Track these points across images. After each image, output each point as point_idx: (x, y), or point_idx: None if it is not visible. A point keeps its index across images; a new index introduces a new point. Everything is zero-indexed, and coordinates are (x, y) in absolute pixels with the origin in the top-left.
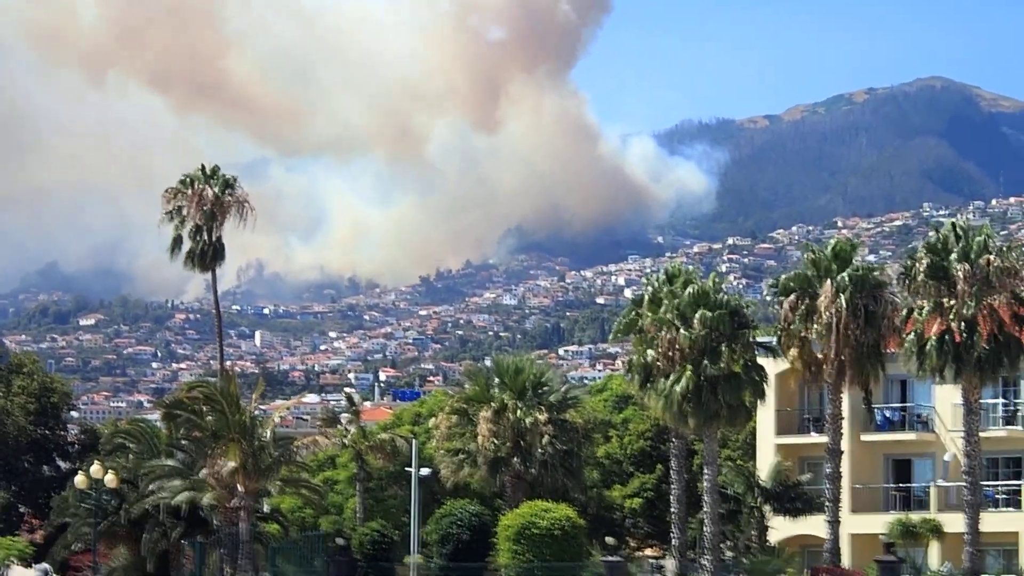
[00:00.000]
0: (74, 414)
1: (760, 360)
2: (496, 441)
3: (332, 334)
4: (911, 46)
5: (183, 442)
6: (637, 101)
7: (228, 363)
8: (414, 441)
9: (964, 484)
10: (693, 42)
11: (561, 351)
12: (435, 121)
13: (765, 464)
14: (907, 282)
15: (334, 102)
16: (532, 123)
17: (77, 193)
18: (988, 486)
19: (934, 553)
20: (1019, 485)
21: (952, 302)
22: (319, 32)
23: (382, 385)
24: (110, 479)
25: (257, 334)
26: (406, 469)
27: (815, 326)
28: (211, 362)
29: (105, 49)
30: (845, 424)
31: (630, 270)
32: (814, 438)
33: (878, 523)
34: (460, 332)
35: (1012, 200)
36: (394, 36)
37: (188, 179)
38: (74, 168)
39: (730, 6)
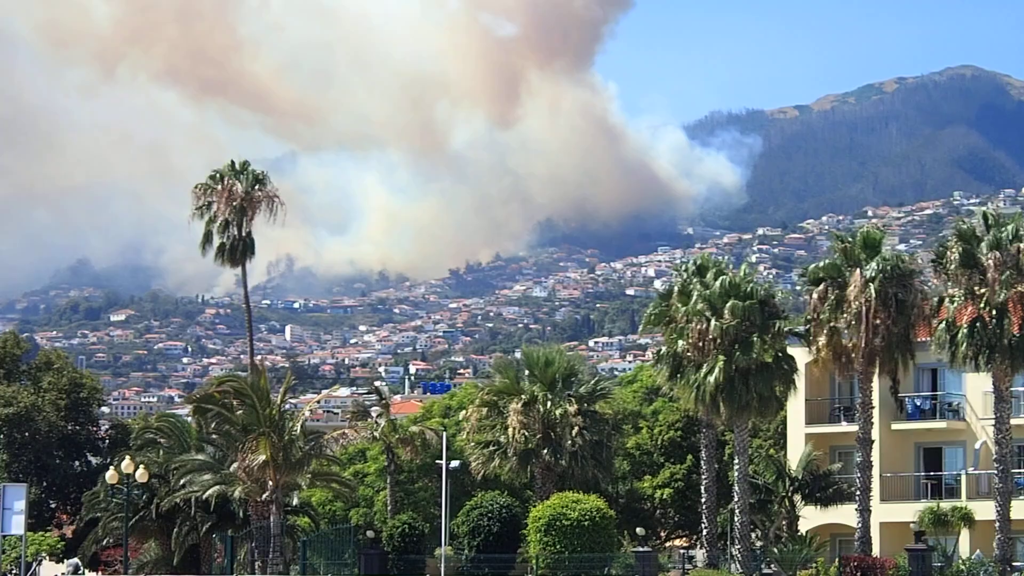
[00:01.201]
0: (105, 410)
1: (791, 350)
2: (526, 433)
3: (362, 328)
4: (941, 35)
5: (213, 436)
6: (666, 93)
7: (258, 358)
8: (444, 434)
9: (995, 472)
10: (721, 33)
11: (591, 343)
12: (458, 116)
13: (796, 453)
14: (938, 270)
15: (352, 97)
16: (558, 116)
17: (101, 189)
18: (1019, 474)
19: (964, 541)
20: None
21: (983, 290)
22: (335, 29)
23: (412, 378)
24: (140, 474)
25: (287, 328)
26: (436, 462)
27: (845, 315)
28: (241, 357)
29: (118, 45)
30: (875, 413)
31: (660, 261)
32: (844, 427)
33: (908, 511)
34: (490, 325)
35: None
36: (409, 33)
37: (218, 174)
38: (96, 164)
39: None
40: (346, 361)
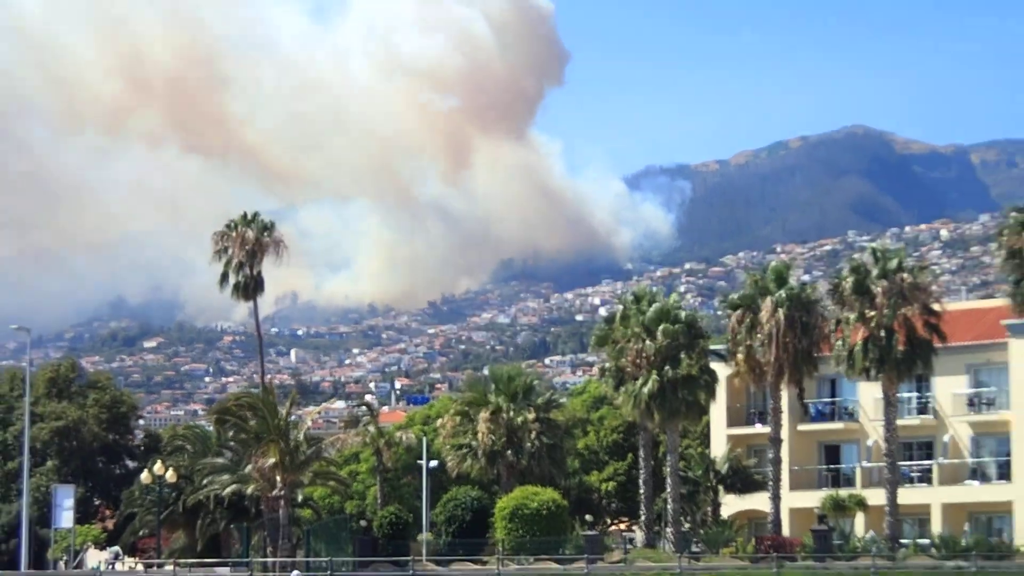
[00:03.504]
0: (140, 422)
1: (713, 365)
2: (493, 437)
3: (355, 350)
4: (837, 100)
5: (230, 443)
6: (608, 149)
7: (268, 377)
8: (424, 438)
9: (884, 464)
10: (653, 98)
11: (547, 361)
12: (426, 173)
13: (718, 451)
14: (835, 297)
15: (335, 159)
16: (509, 172)
17: (130, 237)
18: (904, 466)
19: (859, 523)
20: (930, 465)
21: (872, 313)
22: (313, 102)
23: (397, 392)
24: (170, 475)
25: (292, 352)
26: (418, 461)
27: (758, 335)
28: (254, 376)
29: (125, 117)
30: (784, 417)
31: (604, 292)
32: (758, 429)
33: (813, 498)
34: (462, 347)
35: (922, 227)
36: (374, 103)
37: (232, 224)
38: (121, 217)
39: (682, 66)
40: (342, 379)
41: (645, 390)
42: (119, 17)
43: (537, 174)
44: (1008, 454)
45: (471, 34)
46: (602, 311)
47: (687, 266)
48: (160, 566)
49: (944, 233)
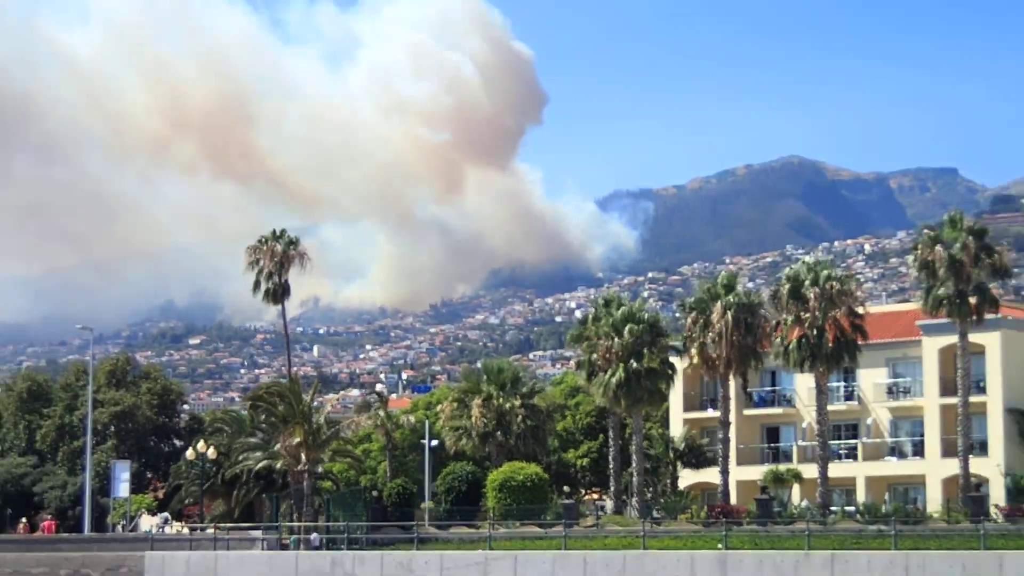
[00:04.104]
0: (185, 407)
1: (671, 359)
2: (485, 420)
3: (368, 347)
4: (776, 133)
5: (262, 425)
6: (582, 176)
7: (293, 369)
8: (426, 421)
9: (816, 443)
10: (618, 131)
11: (531, 355)
12: (426, 196)
13: (676, 432)
14: (775, 302)
15: (348, 183)
16: (498, 196)
17: (177, 249)
18: (833, 444)
19: (796, 493)
20: (855, 444)
21: (806, 315)
22: (330, 135)
23: (403, 382)
24: (211, 452)
25: (315, 348)
26: (421, 441)
27: (710, 334)
28: (282, 368)
29: (164, 143)
30: (732, 403)
31: (579, 297)
32: (710, 413)
33: (756, 472)
34: (459, 343)
35: (848, 242)
36: (379, 135)
37: (263, 239)
38: (168, 231)
39: (646, 103)
40: (356, 371)
41: (614, 380)
42: (162, 63)
43: (520, 198)
44: (921, 435)
45: (460, 79)
46: (577, 313)
47: (649, 275)
48: (202, 529)
49: (867, 247)
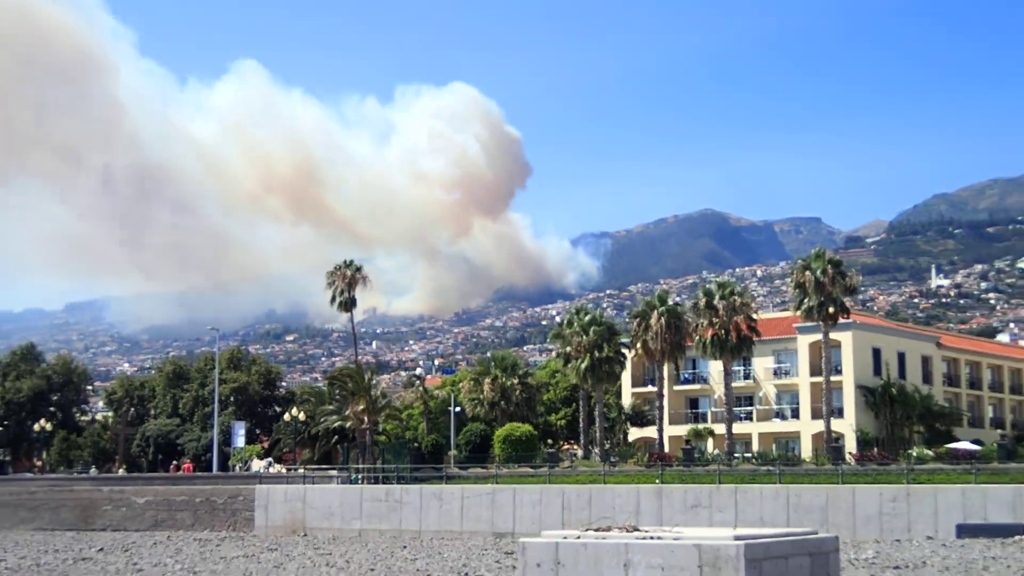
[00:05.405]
0: (282, 384)
1: (623, 351)
2: (493, 393)
3: (411, 342)
4: (696, 189)
5: (337, 396)
6: (558, 222)
7: (359, 357)
8: (452, 394)
9: (724, 410)
10: (585, 188)
11: (525, 348)
12: (445, 238)
13: (627, 401)
14: (695, 311)
15: (388, 223)
16: (498, 236)
17: (277, 273)
18: (736, 411)
19: (710, 445)
20: (752, 410)
21: (717, 320)
22: (373, 184)
23: (436, 367)
24: (301, 416)
25: (374, 343)
26: (448, 408)
27: (650, 333)
28: (351, 357)
29: (258, 198)
30: (665, 381)
31: (558, 308)
32: (651, 388)
33: (683, 430)
34: (475, 340)
35: (746, 269)
36: (408, 189)
37: (337, 266)
38: (266, 262)
39: (605, 164)
40: (403, 359)
41: (583, 365)
42: (258, 142)
43: (514, 238)
44: (797, 403)
45: (467, 155)
46: (557, 319)
47: (607, 292)
48: (295, 470)
49: (759, 273)
